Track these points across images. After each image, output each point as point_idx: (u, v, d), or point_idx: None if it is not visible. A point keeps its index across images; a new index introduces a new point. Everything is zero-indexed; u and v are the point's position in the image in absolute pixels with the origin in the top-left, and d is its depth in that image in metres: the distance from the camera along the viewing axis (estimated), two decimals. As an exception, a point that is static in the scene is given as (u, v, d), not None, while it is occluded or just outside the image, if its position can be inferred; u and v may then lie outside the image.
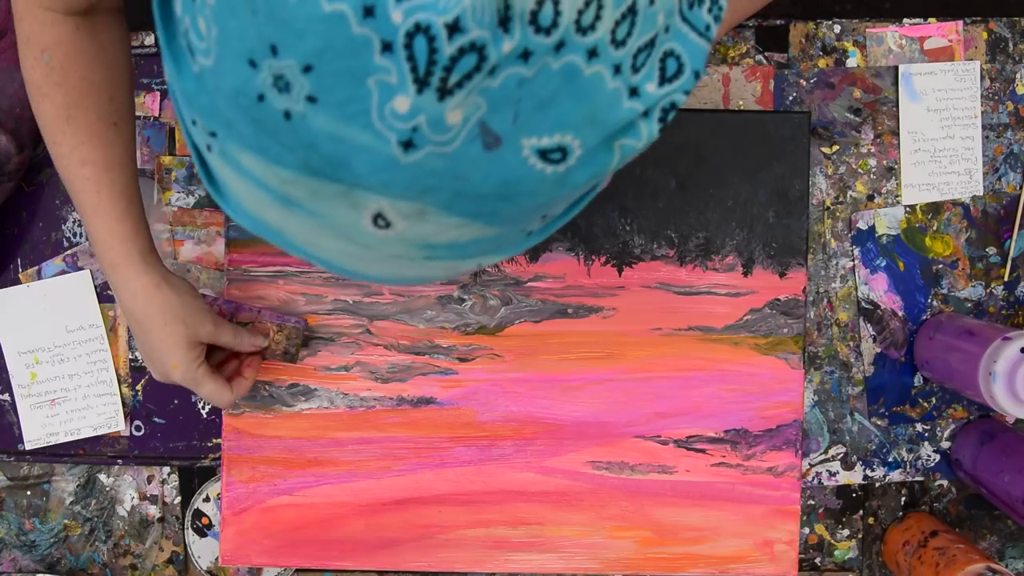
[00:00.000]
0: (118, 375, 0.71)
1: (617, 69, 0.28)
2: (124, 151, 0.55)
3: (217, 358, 0.63)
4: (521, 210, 0.30)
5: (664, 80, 0.30)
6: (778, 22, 0.71)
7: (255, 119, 0.27)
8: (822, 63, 0.71)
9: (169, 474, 0.72)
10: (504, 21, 0.24)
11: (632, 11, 0.27)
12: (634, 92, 0.29)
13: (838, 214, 0.71)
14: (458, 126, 0.26)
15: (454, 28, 0.24)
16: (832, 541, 0.72)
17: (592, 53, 0.27)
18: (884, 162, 0.71)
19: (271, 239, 0.33)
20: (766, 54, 0.71)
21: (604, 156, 0.30)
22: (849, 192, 0.71)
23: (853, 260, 0.71)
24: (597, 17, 0.26)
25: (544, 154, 0.28)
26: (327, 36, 0.24)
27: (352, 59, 0.24)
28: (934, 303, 0.71)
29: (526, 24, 0.25)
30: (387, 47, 0.24)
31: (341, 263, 0.33)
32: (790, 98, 0.71)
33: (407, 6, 0.24)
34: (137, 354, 0.71)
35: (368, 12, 0.24)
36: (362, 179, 0.27)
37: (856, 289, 0.71)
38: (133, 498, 0.72)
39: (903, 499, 0.72)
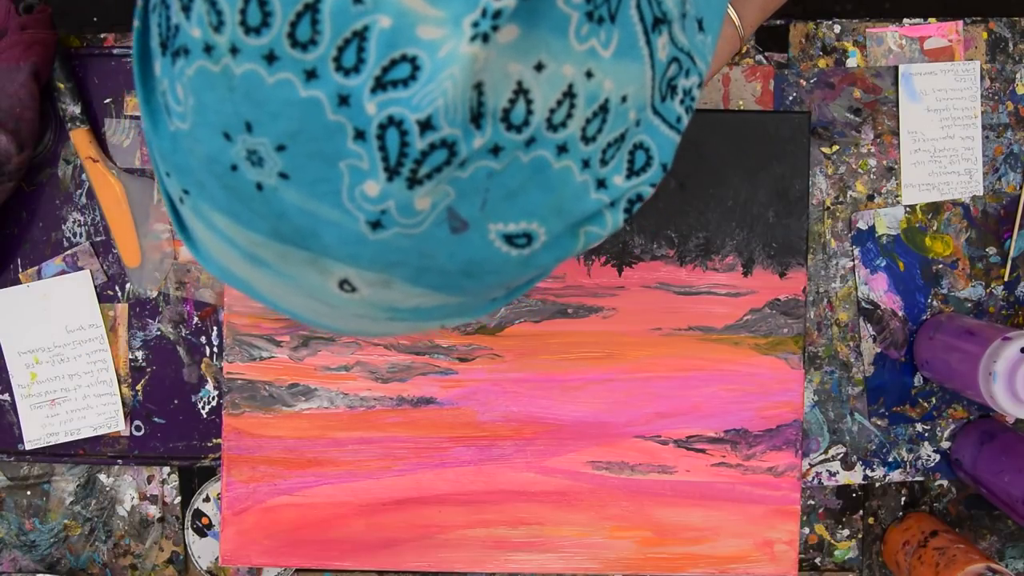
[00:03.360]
0: (118, 375, 0.71)
1: (586, 163, 0.28)
2: None
3: None
4: (485, 286, 0.31)
5: (632, 173, 0.30)
6: (778, 22, 0.71)
7: (227, 186, 0.27)
8: (822, 63, 0.71)
9: (169, 474, 0.72)
10: (476, 118, 0.25)
11: (604, 109, 0.28)
12: (601, 184, 0.29)
13: (838, 214, 0.71)
14: (426, 211, 0.26)
15: (426, 125, 0.24)
16: (832, 541, 0.72)
17: (562, 148, 0.27)
18: (884, 162, 0.71)
19: (239, 288, 0.34)
20: (766, 54, 0.71)
21: (569, 242, 0.30)
22: (849, 192, 0.71)
23: (853, 260, 0.71)
24: (568, 116, 0.27)
25: (510, 239, 0.28)
26: (301, 120, 0.25)
27: (325, 143, 0.25)
28: (934, 303, 0.71)
29: (498, 121, 0.25)
30: (360, 135, 0.25)
31: (307, 317, 0.33)
32: (790, 98, 0.71)
33: (381, 99, 0.24)
34: (138, 353, 0.71)
35: (343, 101, 0.24)
36: (330, 250, 0.27)
37: (856, 289, 0.71)
38: (133, 498, 0.72)
39: (903, 499, 0.72)
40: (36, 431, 0.71)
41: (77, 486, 0.72)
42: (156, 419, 0.71)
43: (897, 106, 0.70)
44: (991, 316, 0.71)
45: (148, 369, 0.71)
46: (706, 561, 0.69)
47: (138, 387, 0.71)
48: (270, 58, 0.24)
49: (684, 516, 0.69)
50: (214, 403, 0.71)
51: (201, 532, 0.71)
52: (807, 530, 0.72)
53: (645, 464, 0.69)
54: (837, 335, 0.71)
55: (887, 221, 0.71)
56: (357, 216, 0.26)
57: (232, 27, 0.24)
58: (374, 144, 0.25)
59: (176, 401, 0.71)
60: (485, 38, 0.23)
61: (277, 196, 0.26)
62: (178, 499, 0.72)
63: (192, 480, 0.72)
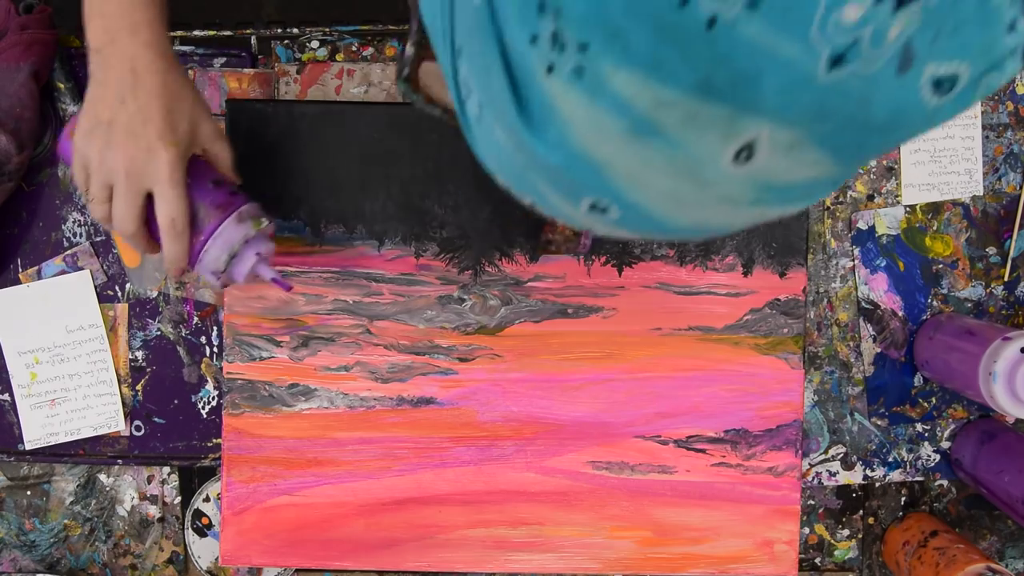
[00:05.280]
0: (118, 375, 0.71)
1: None
2: None
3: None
4: (884, 145, 0.28)
5: None
6: (778, 22, 0.71)
7: (663, 27, 0.24)
8: (822, 63, 0.70)
9: (169, 474, 0.72)
10: None
11: None
12: (1011, 27, 0.27)
13: (838, 214, 0.71)
14: (892, 43, 0.23)
15: None
16: (832, 541, 0.72)
17: None
18: (884, 162, 0.71)
19: (583, 177, 0.30)
20: (766, 54, 0.71)
21: (969, 93, 0.28)
22: (849, 192, 0.71)
23: (853, 260, 0.71)
24: None
25: (937, 84, 0.26)
26: None
27: None
28: (934, 303, 0.71)
29: None
30: None
31: (657, 207, 0.29)
32: (790, 98, 0.70)
33: None
34: (138, 353, 0.71)
35: None
36: (761, 101, 0.24)
37: (856, 289, 0.71)
38: (133, 498, 0.72)
39: (903, 499, 0.72)
40: (36, 431, 0.71)
41: (77, 486, 0.72)
42: (156, 419, 0.71)
43: (897, 106, 0.70)
44: (991, 316, 0.71)
45: (148, 369, 0.71)
46: (706, 561, 0.69)
47: (138, 387, 0.71)
48: None
49: (684, 516, 0.69)
50: (214, 403, 0.71)
51: (201, 532, 0.71)
52: (807, 530, 0.72)
53: (645, 464, 0.69)
54: (837, 335, 0.71)
55: (887, 221, 0.71)
56: (820, 51, 0.23)
57: None
58: None
59: (176, 401, 0.71)
60: None
61: (731, 34, 0.23)
62: (178, 499, 0.72)
63: (192, 480, 0.72)
